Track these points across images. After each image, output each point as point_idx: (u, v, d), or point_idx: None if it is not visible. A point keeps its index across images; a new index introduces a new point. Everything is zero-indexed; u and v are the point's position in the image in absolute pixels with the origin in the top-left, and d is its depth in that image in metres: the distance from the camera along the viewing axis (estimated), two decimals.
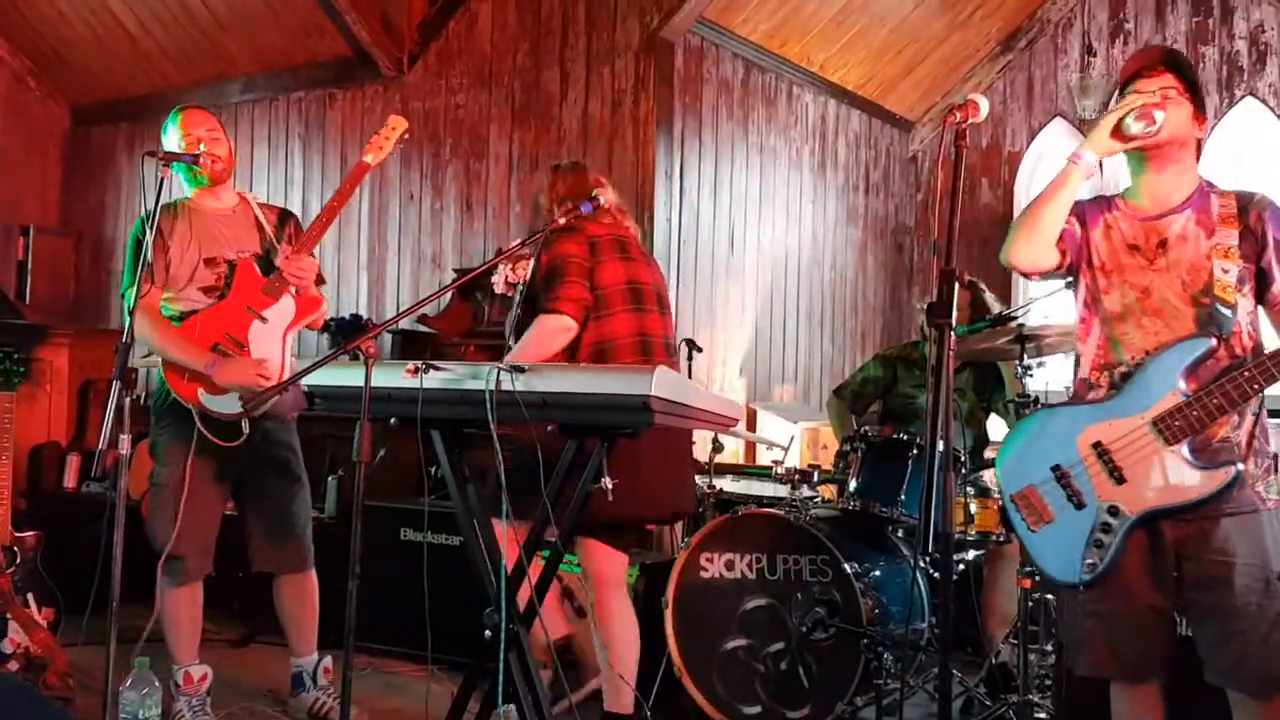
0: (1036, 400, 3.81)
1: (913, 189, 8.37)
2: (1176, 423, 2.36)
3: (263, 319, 3.53)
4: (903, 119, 8.17)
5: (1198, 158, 2.57)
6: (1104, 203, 2.63)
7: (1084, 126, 7.67)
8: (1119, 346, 2.49)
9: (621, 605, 3.33)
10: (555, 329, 3.16)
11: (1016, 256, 2.52)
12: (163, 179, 3.26)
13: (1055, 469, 2.51)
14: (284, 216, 3.81)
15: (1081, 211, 2.60)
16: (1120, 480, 2.42)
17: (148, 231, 3.20)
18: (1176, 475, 2.36)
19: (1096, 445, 2.45)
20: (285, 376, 3.46)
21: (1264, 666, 2.34)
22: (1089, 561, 2.44)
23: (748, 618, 3.68)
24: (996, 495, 4.02)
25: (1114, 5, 7.63)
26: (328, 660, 3.78)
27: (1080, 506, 2.46)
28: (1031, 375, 3.86)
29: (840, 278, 7.66)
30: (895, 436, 3.97)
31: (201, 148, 3.53)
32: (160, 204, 3.27)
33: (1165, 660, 2.50)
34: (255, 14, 6.83)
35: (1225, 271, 2.40)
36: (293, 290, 3.59)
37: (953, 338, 2.12)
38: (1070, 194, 2.50)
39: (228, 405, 3.46)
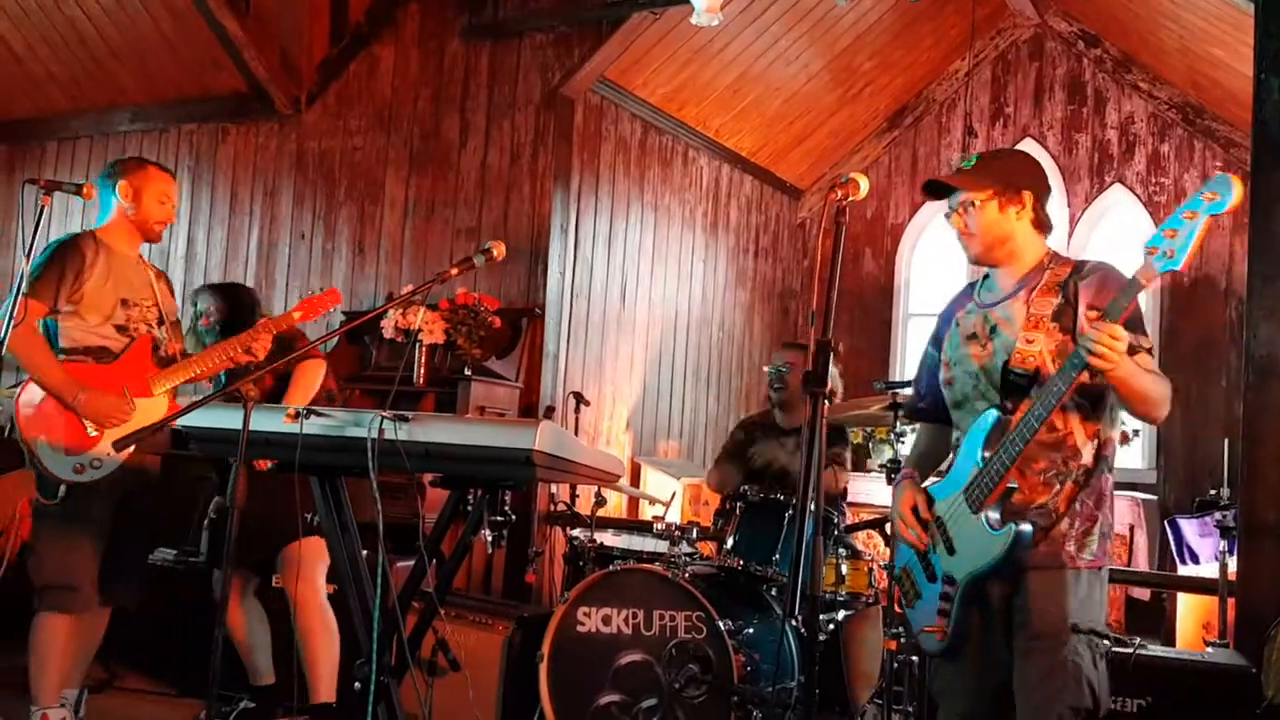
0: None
1: (800, 254, 8.59)
2: (975, 491, 2.50)
3: (132, 404, 3.45)
4: (793, 186, 8.41)
5: (1039, 227, 2.64)
6: (965, 293, 2.81)
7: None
8: (959, 429, 2.67)
9: None
10: None
11: None
12: (43, 207, 3.18)
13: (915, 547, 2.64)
14: (167, 283, 3.80)
15: (939, 329, 2.81)
16: (951, 550, 2.56)
17: (83, 253, 3.27)
18: (982, 539, 2.49)
19: (938, 519, 2.60)
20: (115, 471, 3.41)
21: (1041, 709, 2.45)
22: (938, 630, 2.56)
23: (623, 673, 3.69)
24: (868, 558, 4.13)
25: (995, 90, 8.02)
26: (85, 692, 3.68)
27: (933, 580, 2.60)
28: (903, 442, 3.99)
29: (728, 337, 7.81)
30: (772, 497, 4.05)
31: (154, 212, 3.63)
32: (78, 231, 3.34)
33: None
34: (149, 43, 6.73)
35: (1029, 342, 2.51)
36: (175, 397, 3.58)
37: (826, 406, 2.19)
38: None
39: (57, 464, 3.37)
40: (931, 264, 8.28)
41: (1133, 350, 2.39)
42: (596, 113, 6.42)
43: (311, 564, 3.69)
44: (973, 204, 2.61)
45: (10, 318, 3.07)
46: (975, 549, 2.49)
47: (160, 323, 3.63)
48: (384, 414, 2.49)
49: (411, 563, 2.94)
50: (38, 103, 7.36)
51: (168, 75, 6.87)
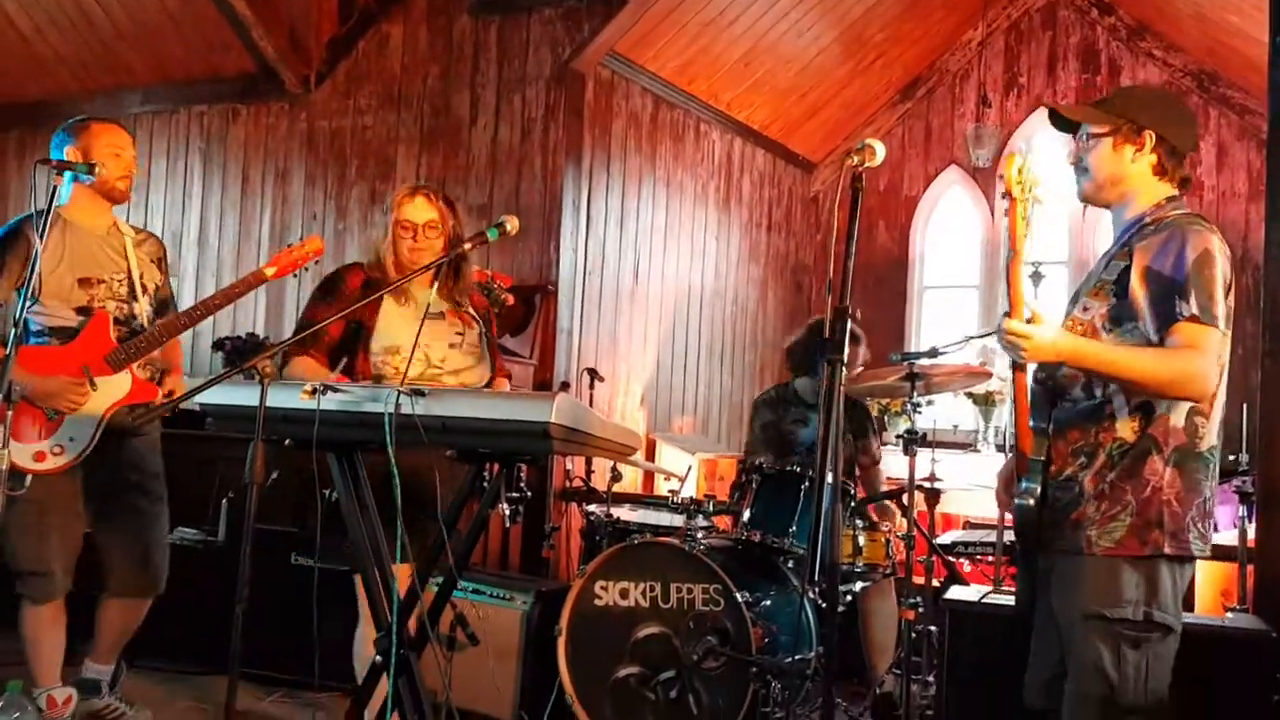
0: (924, 437, 3.93)
1: (813, 228, 8.56)
2: (1018, 461, 2.43)
3: (93, 384, 3.35)
4: (805, 160, 8.37)
5: (1161, 174, 2.44)
6: None
7: (977, 174, 7.96)
8: None
9: None
10: None
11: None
12: (56, 187, 3.17)
13: None
14: (156, 247, 3.70)
15: None
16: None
17: (33, 238, 3.11)
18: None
19: None
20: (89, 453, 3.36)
21: (1070, 696, 2.39)
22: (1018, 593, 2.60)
23: (640, 646, 3.70)
24: (885, 529, 4.13)
25: (1008, 59, 7.95)
26: (124, 672, 3.71)
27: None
28: (920, 412, 3.98)
29: (741, 312, 7.79)
30: (789, 469, 4.05)
31: (110, 167, 3.41)
32: (33, 212, 3.17)
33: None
34: (157, 24, 6.71)
35: (1085, 310, 2.43)
36: (136, 370, 3.44)
37: (844, 373, 2.18)
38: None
39: (16, 452, 3.19)
40: (946, 236, 8.24)
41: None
42: (607, 87, 6.38)
43: None
44: (1089, 137, 2.45)
45: (21, 303, 3.06)
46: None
47: (132, 295, 3.50)
48: (401, 388, 2.49)
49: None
50: (47, 86, 7.36)
51: (176, 57, 6.85)
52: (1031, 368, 2.42)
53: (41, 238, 3.10)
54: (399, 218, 3.29)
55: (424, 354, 3.19)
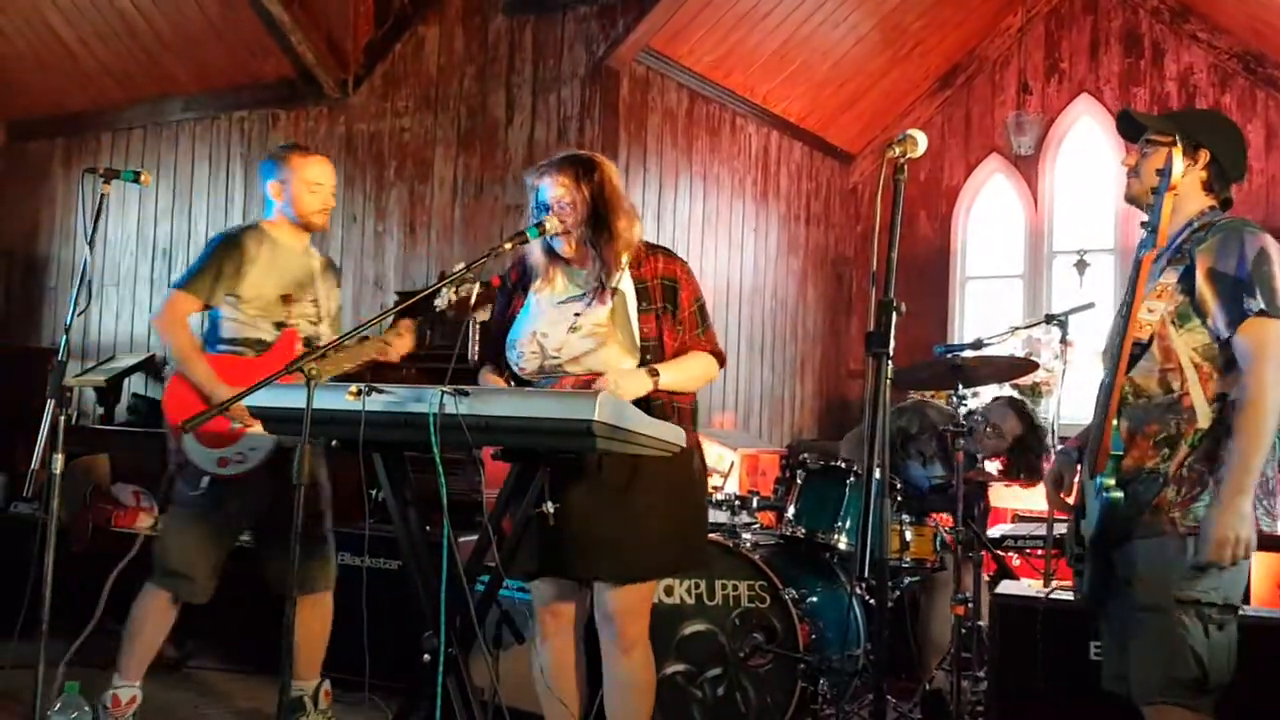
0: (970, 430, 3.88)
1: (852, 220, 8.50)
2: (1089, 456, 2.52)
3: None
4: (843, 151, 8.31)
5: (1208, 189, 2.57)
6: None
7: (1018, 163, 7.86)
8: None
9: None
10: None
11: None
12: (103, 195, 3.22)
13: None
14: (335, 274, 3.83)
15: None
16: (1083, 513, 2.59)
17: (250, 249, 3.36)
18: (1093, 504, 2.51)
19: (1082, 483, 2.63)
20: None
21: (1146, 676, 2.43)
22: (1079, 588, 2.63)
23: (686, 643, 3.69)
24: (931, 524, 4.10)
25: (1049, 45, 7.85)
26: (327, 684, 3.71)
27: (1080, 543, 2.63)
28: (965, 405, 3.94)
29: (781, 306, 7.75)
30: (832, 464, 4.02)
31: (307, 201, 3.61)
32: (249, 224, 3.45)
33: None
34: (198, 32, 6.79)
35: (1150, 311, 2.47)
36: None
37: (890, 366, 2.16)
38: None
39: (201, 456, 3.41)
40: (987, 226, 8.16)
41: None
42: (642, 83, 6.37)
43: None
44: (1150, 143, 2.58)
45: (73, 308, 3.12)
46: (1091, 513, 2.51)
47: (319, 318, 3.63)
48: (444, 389, 2.50)
49: (473, 538, 2.96)
50: (92, 95, 7.47)
51: (217, 63, 6.93)
52: (1105, 366, 2.54)
53: (90, 245, 3.16)
54: (534, 200, 2.99)
55: (539, 344, 2.93)
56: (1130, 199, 2.63)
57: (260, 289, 3.50)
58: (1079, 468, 2.66)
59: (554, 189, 2.91)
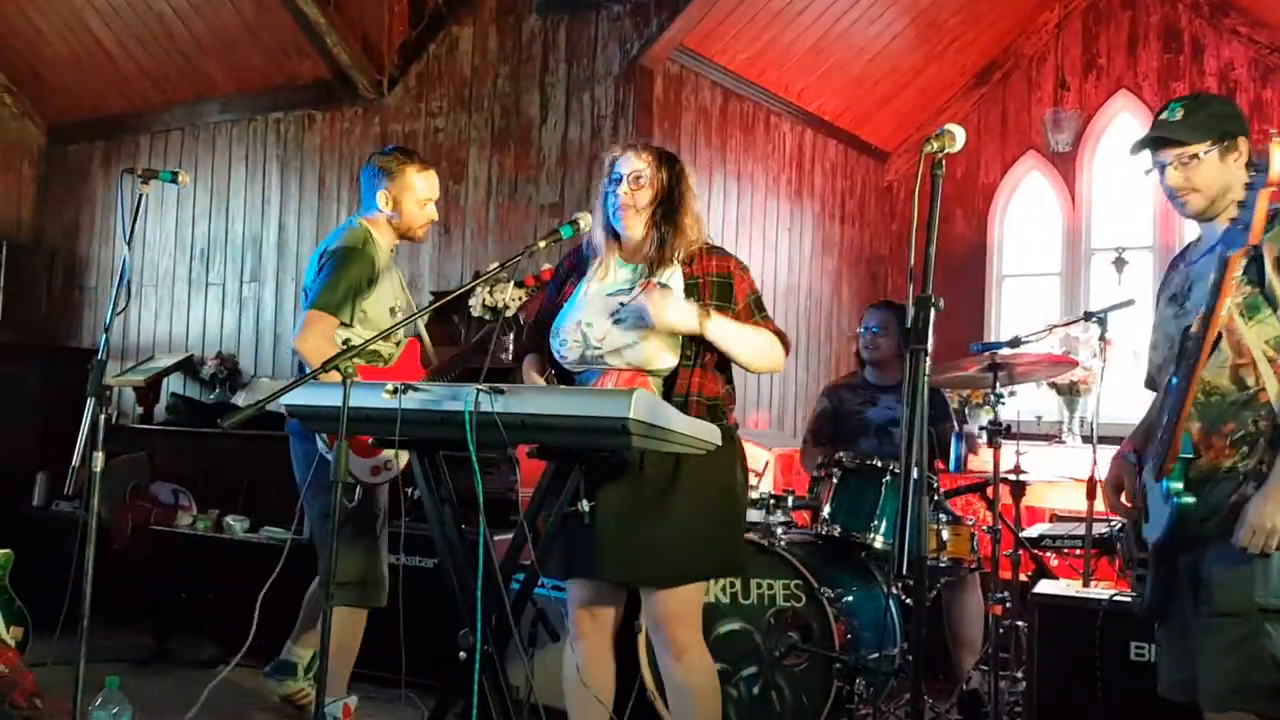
0: (1008, 428, 3.85)
1: (888, 219, 8.44)
2: (1156, 458, 2.42)
3: None
4: (878, 149, 8.25)
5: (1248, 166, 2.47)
6: (1186, 248, 2.71)
7: (1056, 160, 7.78)
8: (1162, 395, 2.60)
9: None
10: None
11: None
12: (141, 195, 3.25)
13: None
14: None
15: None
16: (1146, 518, 2.52)
17: (375, 263, 3.36)
18: (1159, 508, 2.42)
19: (1144, 486, 2.55)
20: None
21: (1221, 683, 2.36)
22: (1139, 593, 2.57)
23: (721, 642, 3.68)
24: (969, 523, 4.06)
25: (1086, 41, 7.76)
26: (354, 699, 3.68)
27: (1141, 548, 2.57)
28: (1003, 403, 3.90)
29: (816, 305, 7.71)
30: (869, 463, 4.00)
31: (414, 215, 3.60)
32: (358, 236, 3.44)
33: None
34: (234, 35, 6.84)
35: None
36: None
37: (928, 363, 2.14)
38: None
39: (356, 467, 3.39)
40: (1025, 225, 8.08)
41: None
42: (676, 82, 6.36)
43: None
44: (1195, 156, 2.45)
45: (113, 308, 3.16)
46: (1156, 518, 2.43)
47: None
48: (480, 387, 2.51)
49: (508, 536, 2.96)
50: (130, 98, 7.55)
51: (253, 65, 6.99)
52: (1172, 365, 2.46)
53: (129, 245, 3.19)
54: (609, 174, 3.00)
55: (583, 333, 2.93)
56: (1196, 215, 2.52)
57: (377, 305, 3.50)
58: (1139, 471, 2.57)
59: (635, 162, 2.93)
